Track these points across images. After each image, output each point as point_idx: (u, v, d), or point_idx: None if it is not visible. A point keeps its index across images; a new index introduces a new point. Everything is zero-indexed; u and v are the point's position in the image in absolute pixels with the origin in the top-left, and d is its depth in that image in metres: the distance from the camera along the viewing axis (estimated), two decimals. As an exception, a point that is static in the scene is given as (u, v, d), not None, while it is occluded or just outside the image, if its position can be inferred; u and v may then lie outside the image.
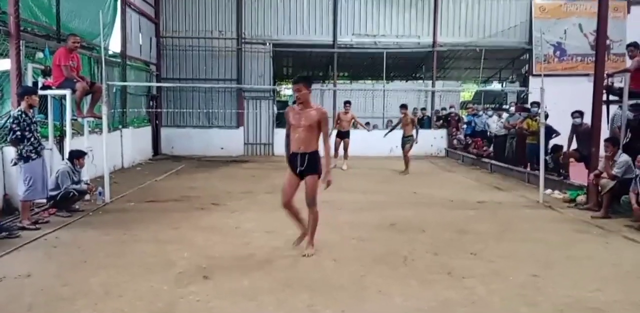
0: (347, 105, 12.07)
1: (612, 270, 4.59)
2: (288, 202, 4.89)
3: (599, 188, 7.02)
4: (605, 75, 7.71)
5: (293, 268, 4.51)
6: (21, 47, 7.03)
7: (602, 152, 7.36)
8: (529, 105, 11.52)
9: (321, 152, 4.81)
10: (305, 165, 4.70)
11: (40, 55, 8.12)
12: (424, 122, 16.17)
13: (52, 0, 8.59)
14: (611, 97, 7.99)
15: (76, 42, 7.20)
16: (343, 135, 11.98)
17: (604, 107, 7.88)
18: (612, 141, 7.14)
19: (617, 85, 7.93)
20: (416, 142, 11.43)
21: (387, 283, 4.12)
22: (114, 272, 4.32)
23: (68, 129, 7.44)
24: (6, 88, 7.34)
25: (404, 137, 11.51)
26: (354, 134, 12.41)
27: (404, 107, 11.50)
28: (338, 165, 12.03)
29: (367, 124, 16.45)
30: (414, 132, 11.34)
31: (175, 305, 3.64)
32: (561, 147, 9.29)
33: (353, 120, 12.27)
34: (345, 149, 12.03)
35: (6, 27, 6.85)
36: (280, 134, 12.37)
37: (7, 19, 6.88)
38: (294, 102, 4.91)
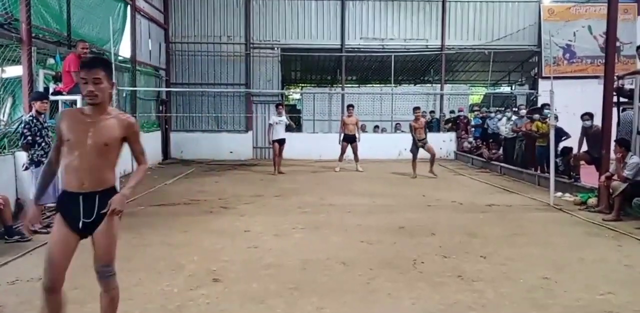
0: (350, 108, 12.04)
1: (624, 272, 4.54)
2: (57, 280, 2.87)
3: (610, 190, 6.95)
4: (615, 77, 7.66)
5: (302, 272, 4.51)
6: (33, 54, 7.15)
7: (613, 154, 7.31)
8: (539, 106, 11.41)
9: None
10: (96, 213, 2.91)
11: (51, 61, 8.22)
12: (432, 125, 16.14)
13: (63, 7, 8.70)
14: (621, 99, 7.93)
15: (85, 48, 7.30)
16: (350, 139, 11.97)
17: (615, 109, 7.83)
18: (620, 143, 7.08)
19: (627, 87, 7.88)
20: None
21: (396, 287, 4.11)
22: (124, 276, 4.32)
23: (79, 134, 7.50)
24: (18, 94, 7.44)
25: (419, 140, 11.15)
26: (363, 137, 12.40)
27: (418, 109, 11.37)
28: (348, 168, 12.06)
29: (376, 127, 16.51)
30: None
31: (185, 307, 3.66)
32: (571, 149, 9.22)
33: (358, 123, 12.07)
34: (355, 152, 12.04)
35: (18, 34, 6.96)
36: (292, 138, 12.35)
37: (19, 26, 6.99)
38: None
